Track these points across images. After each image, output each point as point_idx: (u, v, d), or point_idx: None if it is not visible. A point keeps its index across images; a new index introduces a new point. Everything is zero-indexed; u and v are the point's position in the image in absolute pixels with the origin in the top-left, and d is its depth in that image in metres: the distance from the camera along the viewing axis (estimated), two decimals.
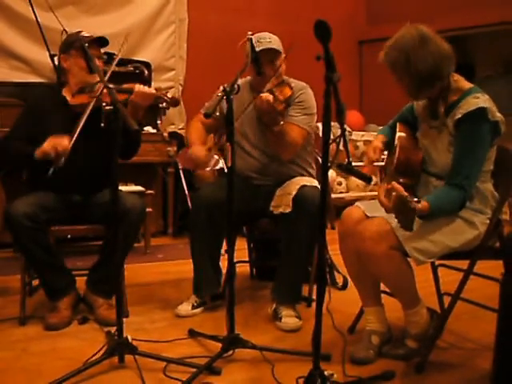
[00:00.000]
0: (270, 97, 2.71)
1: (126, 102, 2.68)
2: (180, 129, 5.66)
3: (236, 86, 2.30)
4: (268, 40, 2.88)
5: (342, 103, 1.80)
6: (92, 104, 2.59)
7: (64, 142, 2.58)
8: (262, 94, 2.74)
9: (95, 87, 2.77)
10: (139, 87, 2.75)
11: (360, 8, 7.42)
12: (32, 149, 2.67)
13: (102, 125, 2.29)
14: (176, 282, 3.66)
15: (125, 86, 2.79)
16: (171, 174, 5.22)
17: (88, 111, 2.56)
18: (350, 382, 2.09)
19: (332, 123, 1.82)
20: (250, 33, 2.74)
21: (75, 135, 2.56)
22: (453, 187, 2.22)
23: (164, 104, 2.85)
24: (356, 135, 6.19)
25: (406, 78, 2.23)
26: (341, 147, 1.89)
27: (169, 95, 2.83)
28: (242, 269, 3.56)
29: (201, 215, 2.93)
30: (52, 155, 2.59)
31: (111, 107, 2.18)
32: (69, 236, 4.01)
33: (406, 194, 2.00)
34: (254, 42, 2.75)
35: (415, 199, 2.02)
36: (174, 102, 2.87)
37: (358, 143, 6.18)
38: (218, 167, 5.33)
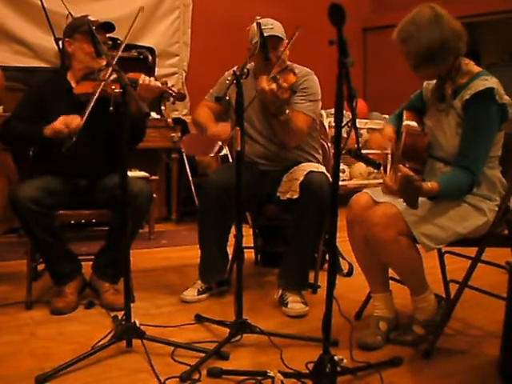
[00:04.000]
0: (274, 85, 2.67)
1: (135, 86, 2.64)
2: (184, 115, 5.64)
3: (246, 70, 2.28)
4: (270, 26, 2.84)
5: (353, 89, 1.78)
6: (99, 90, 2.58)
7: (76, 120, 2.63)
8: (262, 83, 2.68)
9: (100, 73, 2.75)
10: (144, 80, 2.67)
11: None
12: (39, 127, 2.68)
13: (111, 108, 2.27)
14: (180, 267, 3.67)
15: (130, 74, 2.69)
16: (175, 160, 5.20)
17: (97, 94, 2.56)
18: (358, 368, 2.09)
19: None
20: (258, 17, 2.71)
21: (86, 115, 2.59)
22: (460, 169, 2.23)
23: (170, 98, 2.79)
24: (359, 123, 6.16)
25: (416, 50, 2.22)
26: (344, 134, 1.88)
27: (174, 89, 2.76)
28: (247, 255, 3.55)
29: (210, 201, 2.89)
30: (65, 132, 2.63)
31: (121, 90, 2.16)
32: (72, 221, 4.02)
33: (411, 173, 2.03)
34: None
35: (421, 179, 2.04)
36: (181, 97, 2.80)
37: (362, 131, 6.16)
38: (221, 154, 5.34)
